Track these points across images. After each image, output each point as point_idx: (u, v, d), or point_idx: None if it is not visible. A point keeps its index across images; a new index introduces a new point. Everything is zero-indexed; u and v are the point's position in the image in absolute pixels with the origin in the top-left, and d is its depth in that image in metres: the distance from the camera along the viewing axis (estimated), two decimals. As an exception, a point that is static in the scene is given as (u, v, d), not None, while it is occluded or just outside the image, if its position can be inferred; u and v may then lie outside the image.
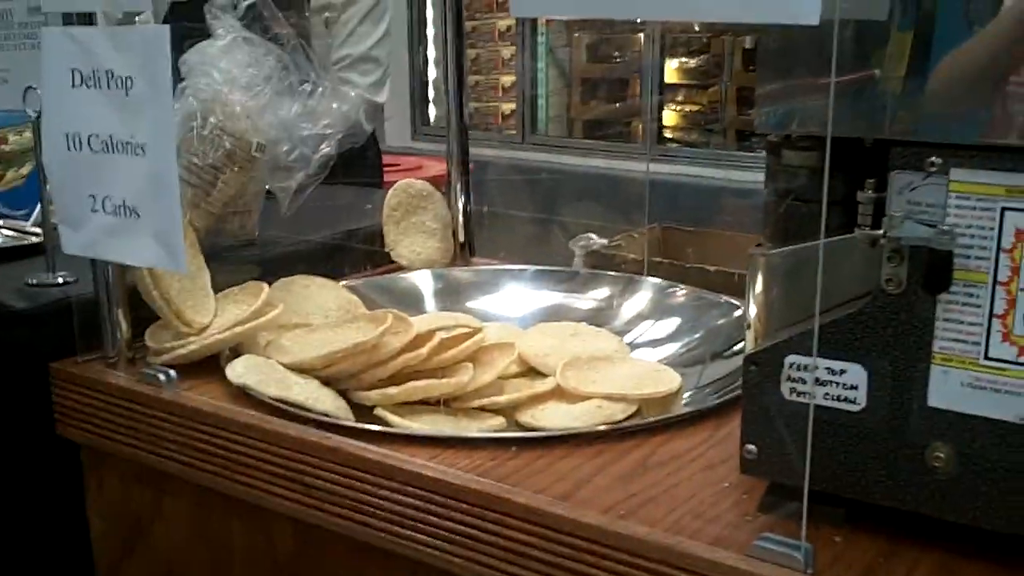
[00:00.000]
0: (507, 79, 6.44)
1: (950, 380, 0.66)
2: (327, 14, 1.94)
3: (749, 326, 0.79)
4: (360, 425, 0.89)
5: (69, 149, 0.96)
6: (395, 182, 1.42)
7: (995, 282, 0.63)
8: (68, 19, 0.96)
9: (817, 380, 0.70)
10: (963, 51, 0.63)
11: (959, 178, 0.63)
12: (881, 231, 0.65)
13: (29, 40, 1.15)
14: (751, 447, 0.74)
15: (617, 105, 6.26)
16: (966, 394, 0.66)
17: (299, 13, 1.22)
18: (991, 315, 0.64)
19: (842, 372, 0.69)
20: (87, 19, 0.95)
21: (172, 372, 1.00)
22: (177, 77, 1.18)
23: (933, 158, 0.64)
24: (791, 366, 0.71)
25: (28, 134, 1.17)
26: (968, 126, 0.63)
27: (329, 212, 1.50)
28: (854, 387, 0.69)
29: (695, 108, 5.80)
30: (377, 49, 2.01)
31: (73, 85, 0.95)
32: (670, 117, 5.86)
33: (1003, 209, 0.62)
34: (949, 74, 0.63)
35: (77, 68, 0.94)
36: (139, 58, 0.89)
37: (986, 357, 0.65)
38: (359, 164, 2.04)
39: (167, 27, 0.88)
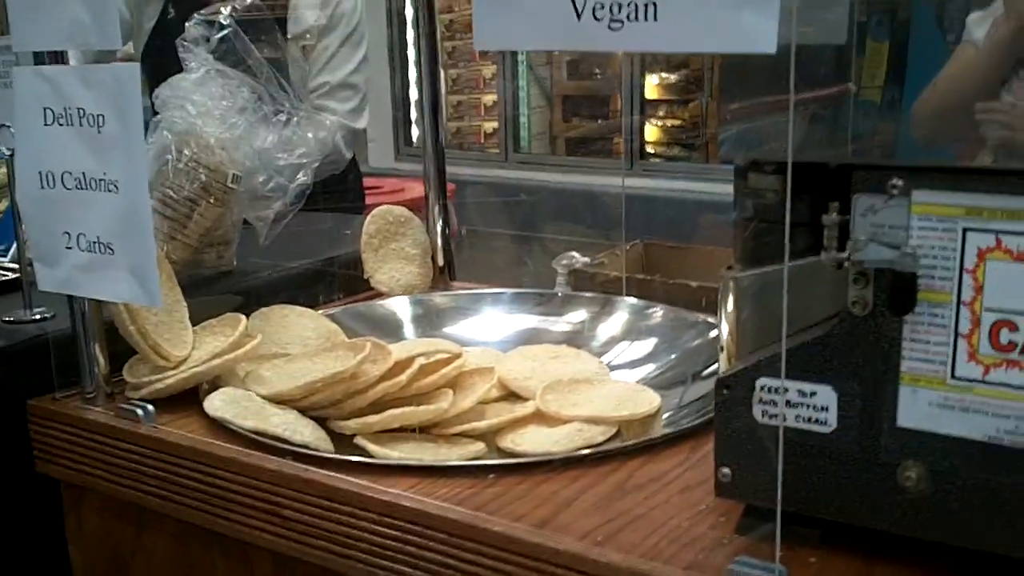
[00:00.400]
0: (489, 98, 6.46)
1: (919, 400, 0.67)
2: (304, 42, 1.94)
3: (722, 348, 0.79)
4: (338, 456, 0.89)
5: (43, 187, 0.97)
6: (377, 206, 1.43)
7: (959, 302, 0.64)
8: (40, 58, 0.96)
9: (788, 402, 0.70)
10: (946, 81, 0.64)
11: (921, 200, 0.64)
12: (846, 254, 0.66)
13: (1, 80, 1.15)
14: (725, 470, 0.74)
15: (599, 122, 6.28)
16: (935, 413, 0.66)
17: (273, 43, 1.23)
18: (956, 335, 0.65)
19: (812, 394, 0.70)
20: (59, 57, 0.96)
21: (150, 407, 0.99)
22: (151, 111, 1.18)
23: (895, 180, 0.64)
24: (762, 388, 0.72)
25: (6, 169, 1.17)
26: (931, 150, 0.64)
27: (310, 239, 1.50)
28: (824, 408, 0.70)
29: (676, 123, 5.83)
30: (355, 76, 2.01)
31: (46, 123, 0.95)
32: (652, 132, 5.89)
33: (964, 230, 0.63)
34: (933, 106, 0.64)
35: (49, 106, 0.94)
36: (110, 96, 0.89)
37: (953, 376, 0.65)
38: (340, 190, 2.05)
39: (137, 65, 0.88)
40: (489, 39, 0.71)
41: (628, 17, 0.65)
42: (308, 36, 1.96)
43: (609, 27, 0.66)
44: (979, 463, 0.65)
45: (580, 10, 0.66)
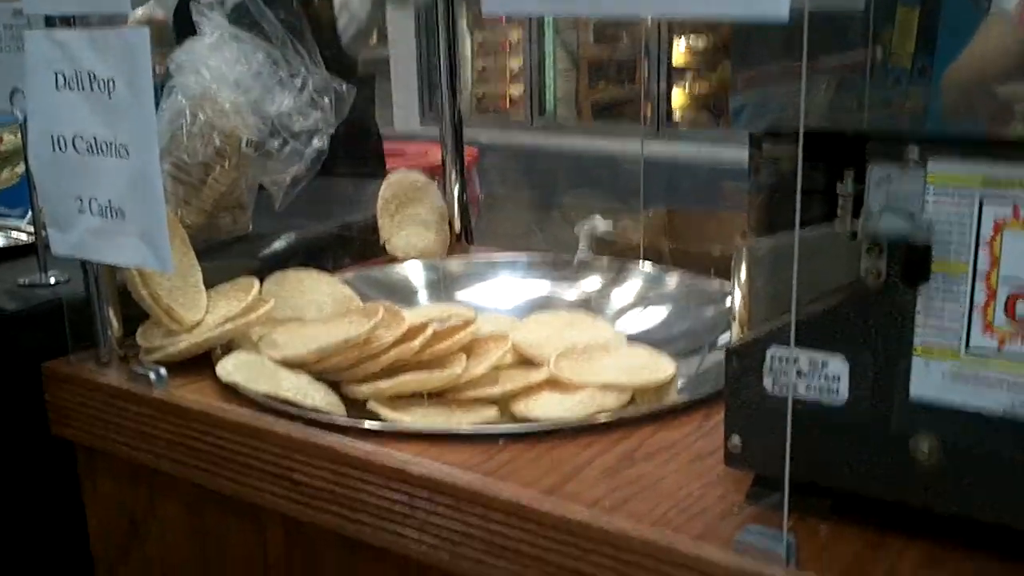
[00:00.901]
0: (515, 62, 6.42)
1: (931, 372, 0.65)
2: None
3: (734, 317, 0.78)
4: (349, 421, 0.89)
5: (54, 151, 0.96)
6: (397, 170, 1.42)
7: (974, 273, 0.63)
8: (51, 21, 0.96)
9: (799, 372, 0.70)
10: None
11: (936, 170, 0.63)
12: (860, 223, 0.65)
13: (14, 43, 1.15)
14: (735, 440, 0.74)
15: (625, 86, 6.23)
16: (948, 386, 0.65)
17: (288, 7, 1.22)
18: (971, 306, 0.63)
19: (824, 364, 0.69)
20: (70, 21, 0.95)
21: (163, 370, 1.00)
22: (166, 74, 1.18)
23: (910, 150, 0.63)
24: (773, 358, 0.71)
25: (19, 135, 1.17)
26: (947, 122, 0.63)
27: (327, 204, 1.50)
28: (836, 379, 0.69)
29: (703, 88, 5.77)
30: None
31: (57, 87, 0.94)
32: (678, 97, 5.83)
33: (981, 200, 0.62)
34: (962, 81, 0.62)
35: (60, 71, 0.94)
36: (120, 60, 0.89)
37: (967, 348, 0.64)
38: (360, 154, 2.05)
39: (147, 29, 0.87)
40: (499, 2, 0.70)
41: (638, -20, 0.63)
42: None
43: (620, -10, 0.64)
44: (993, 436, 0.64)
45: (589, -28, 0.65)
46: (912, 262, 0.64)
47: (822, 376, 0.69)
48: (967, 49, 0.62)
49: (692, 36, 5.78)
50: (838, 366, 0.69)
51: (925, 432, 0.67)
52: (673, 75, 5.80)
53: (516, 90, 6.42)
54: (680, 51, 5.83)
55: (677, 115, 5.84)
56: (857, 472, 0.69)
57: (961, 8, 0.63)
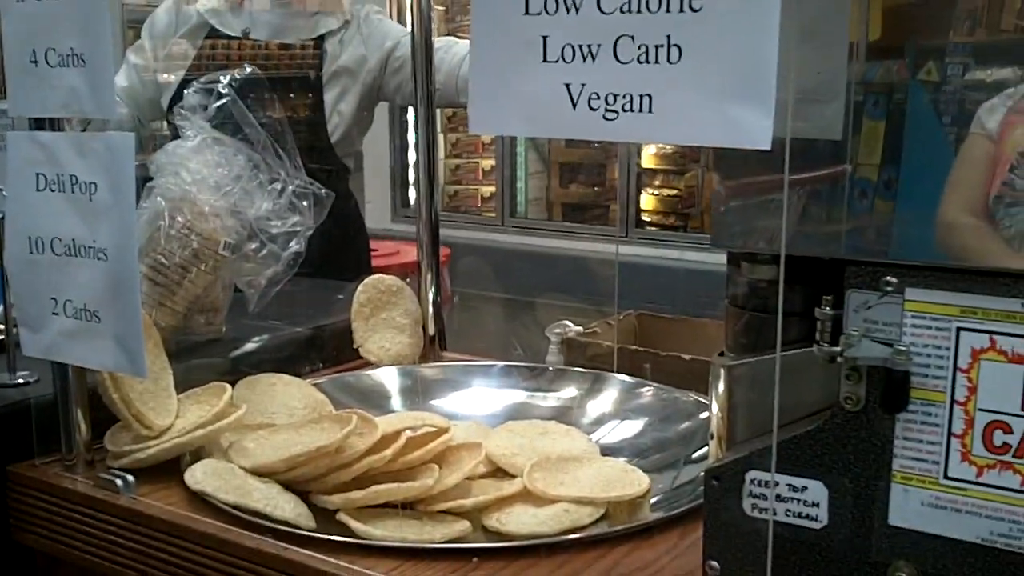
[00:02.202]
0: (487, 162, 6.50)
1: (910, 499, 0.65)
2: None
3: (713, 435, 0.78)
4: (318, 535, 0.87)
5: (31, 252, 0.96)
6: (378, 268, 1.43)
7: (952, 402, 0.63)
8: (35, 124, 0.96)
9: (778, 496, 0.69)
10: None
11: (914, 297, 0.64)
12: (839, 348, 0.65)
13: (-3, 142, 1.15)
14: (714, 563, 0.73)
15: (595, 189, 6.32)
16: (927, 513, 0.65)
17: (269, 110, 1.23)
18: (950, 434, 0.64)
19: (803, 489, 0.69)
20: (54, 124, 0.96)
21: (130, 477, 0.98)
22: (146, 177, 1.18)
23: (888, 277, 0.64)
24: (752, 481, 0.70)
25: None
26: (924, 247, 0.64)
27: (301, 306, 1.49)
28: (815, 504, 0.69)
29: (672, 193, 5.86)
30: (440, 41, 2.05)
31: (38, 189, 0.95)
32: (648, 201, 5.92)
33: (958, 329, 0.63)
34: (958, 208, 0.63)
35: (42, 172, 0.94)
36: (103, 164, 0.89)
37: (945, 476, 0.64)
38: (347, 254, 2.05)
39: (132, 135, 0.88)
40: (485, 123, 0.71)
41: (623, 108, 0.65)
42: (349, 72, 2.01)
43: (604, 117, 0.66)
44: (972, 566, 0.64)
45: (576, 99, 0.66)
46: (891, 389, 0.64)
47: (801, 501, 0.69)
48: (954, 176, 0.63)
49: (660, 144, 5.89)
50: (817, 491, 0.68)
51: (904, 559, 0.66)
52: (642, 178, 5.90)
53: (488, 190, 6.49)
54: (649, 154, 5.94)
55: (646, 217, 5.92)
56: (837, 599, 0.68)
57: (925, 120, 0.65)
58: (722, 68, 0.61)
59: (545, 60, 0.67)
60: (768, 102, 0.59)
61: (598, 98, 0.66)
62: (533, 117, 0.69)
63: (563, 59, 0.67)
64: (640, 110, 0.64)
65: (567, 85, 0.67)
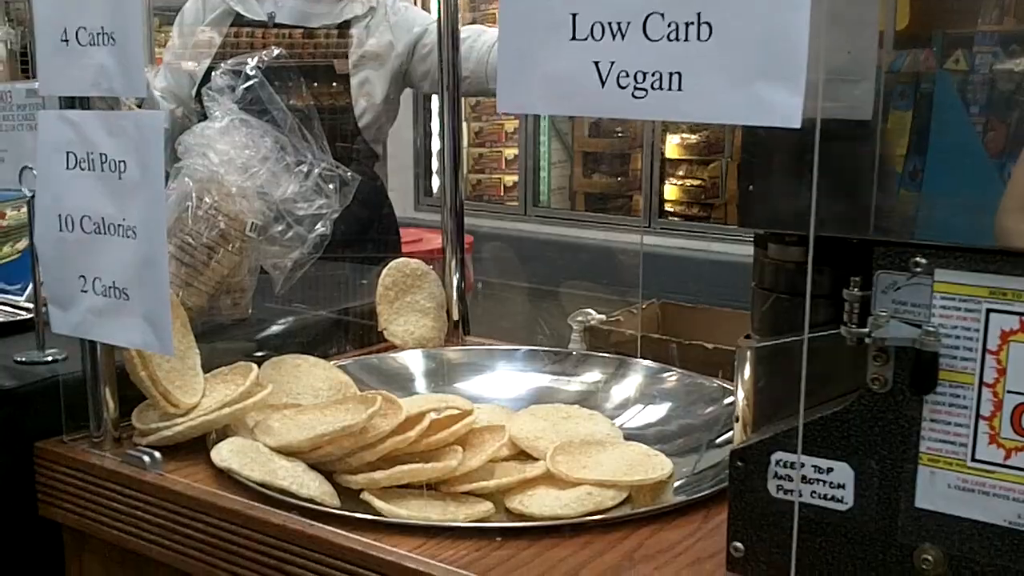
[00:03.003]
0: (510, 151, 6.50)
1: (937, 482, 0.65)
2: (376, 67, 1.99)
3: (738, 418, 0.78)
4: (343, 512, 0.88)
5: (61, 230, 0.97)
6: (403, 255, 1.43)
7: (981, 383, 0.63)
8: (65, 102, 0.97)
9: (804, 478, 0.69)
10: None
11: (944, 279, 0.63)
12: (867, 330, 0.65)
13: (27, 122, 1.16)
14: (738, 544, 0.73)
15: (619, 179, 6.31)
16: (953, 496, 0.65)
17: (296, 95, 1.24)
18: (978, 416, 0.63)
19: (829, 470, 0.69)
20: (84, 103, 0.96)
21: (157, 454, 0.99)
22: (174, 157, 1.19)
23: (917, 258, 0.64)
24: (777, 463, 0.70)
25: (26, 209, 1.18)
26: (953, 228, 0.64)
27: (327, 288, 1.50)
28: (841, 486, 0.68)
29: (696, 183, 5.84)
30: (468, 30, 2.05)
31: (67, 167, 0.95)
32: (671, 191, 5.90)
33: (988, 310, 0.62)
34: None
35: (72, 151, 0.95)
36: (132, 143, 0.90)
37: (973, 459, 0.64)
38: (377, 240, 2.06)
39: (161, 113, 0.89)
40: (513, 102, 0.71)
41: (652, 86, 0.65)
42: (377, 56, 2.00)
43: (633, 95, 0.65)
44: (998, 549, 0.64)
45: (604, 77, 0.66)
46: (919, 370, 0.64)
47: (827, 482, 0.69)
48: (1013, 177, 0.62)
49: (685, 133, 5.87)
50: (843, 472, 0.68)
51: (930, 543, 0.66)
52: (666, 168, 5.89)
53: (511, 179, 6.49)
54: (673, 144, 5.92)
55: (669, 208, 5.90)
56: (861, 581, 0.68)
57: (952, 108, 0.65)
58: (752, 46, 0.60)
59: (574, 38, 0.67)
60: (798, 80, 0.59)
61: (627, 76, 0.65)
62: (561, 95, 0.69)
63: (592, 37, 0.67)
64: (669, 88, 0.64)
65: (596, 63, 0.67)
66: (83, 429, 1.05)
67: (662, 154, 5.85)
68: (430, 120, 6.29)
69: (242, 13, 2.01)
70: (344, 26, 2.03)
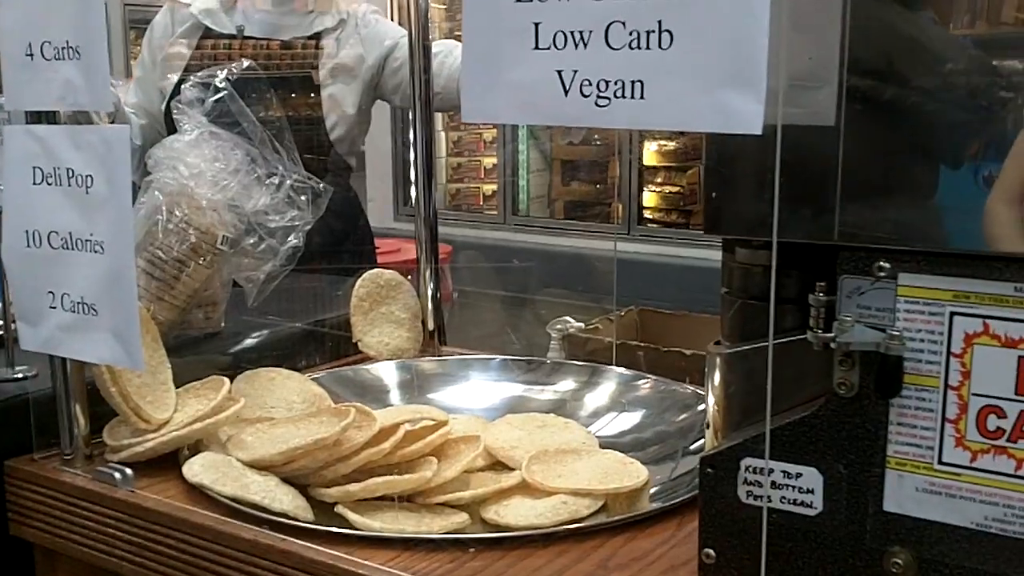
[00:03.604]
0: (489, 160, 6.51)
1: (905, 485, 0.65)
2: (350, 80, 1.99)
3: (708, 424, 0.78)
4: (316, 526, 0.88)
5: (28, 245, 0.96)
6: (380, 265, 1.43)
7: (946, 386, 0.63)
8: (31, 117, 0.96)
9: (773, 483, 0.69)
10: None
11: (907, 283, 0.64)
12: (832, 334, 0.65)
13: (-7, 136, 1.15)
14: (709, 551, 0.73)
15: (597, 186, 6.33)
16: (921, 499, 0.65)
17: (267, 107, 1.23)
18: (944, 419, 0.64)
19: (798, 475, 0.69)
20: (50, 118, 0.96)
21: (128, 470, 0.98)
22: (144, 171, 1.18)
23: (881, 263, 0.64)
24: (747, 468, 0.71)
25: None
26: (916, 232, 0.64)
27: (300, 301, 1.50)
28: (810, 491, 0.69)
29: (674, 190, 5.87)
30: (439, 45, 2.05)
31: (34, 182, 0.95)
32: (650, 198, 5.93)
33: (951, 314, 0.63)
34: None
35: (38, 165, 0.94)
36: (99, 157, 0.89)
37: (940, 462, 0.64)
38: (351, 252, 2.06)
39: (127, 127, 0.88)
40: (477, 111, 0.71)
41: (615, 94, 0.65)
42: (349, 70, 1.99)
43: (596, 103, 0.66)
44: (967, 551, 0.64)
45: (568, 86, 0.66)
46: (885, 374, 0.64)
47: (796, 487, 0.69)
48: (1004, 165, 0.62)
49: (663, 140, 5.90)
50: (812, 477, 0.68)
51: (899, 545, 0.66)
52: (644, 175, 5.91)
53: (490, 188, 6.51)
54: (651, 151, 5.94)
55: (648, 215, 5.92)
56: (832, 586, 0.68)
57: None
58: (713, 53, 0.61)
59: (537, 47, 0.67)
60: (759, 87, 0.59)
61: (590, 84, 0.66)
62: (525, 104, 0.69)
63: (555, 46, 0.67)
64: (632, 96, 0.64)
65: (559, 72, 0.67)
66: (54, 446, 1.04)
67: (640, 161, 5.87)
68: (408, 130, 6.29)
69: (210, 27, 2.00)
70: (315, 38, 2.02)
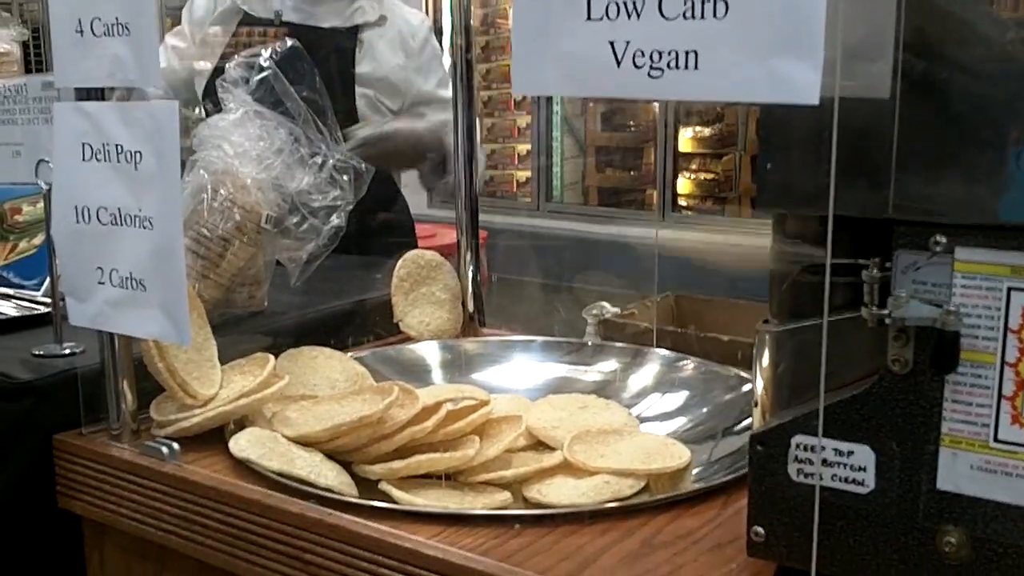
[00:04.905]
0: (523, 147, 6.50)
1: (959, 463, 0.65)
2: (375, 89, 1.98)
3: (756, 403, 0.78)
4: (362, 501, 0.88)
5: (78, 221, 0.97)
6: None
7: (1003, 363, 0.62)
8: (80, 94, 0.97)
9: (824, 461, 0.69)
10: None
11: (964, 257, 0.63)
12: (887, 310, 0.64)
13: (43, 115, 1.16)
14: (758, 529, 0.72)
15: (632, 173, 6.30)
16: (976, 477, 0.64)
17: (311, 86, 1.23)
18: (1000, 396, 0.63)
19: (850, 453, 0.68)
20: (99, 94, 0.96)
21: (175, 445, 0.99)
22: (189, 150, 1.19)
23: (937, 237, 0.63)
24: (798, 446, 0.70)
25: (41, 205, 1.18)
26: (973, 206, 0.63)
27: (342, 281, 1.50)
28: (862, 468, 0.68)
29: (709, 176, 5.83)
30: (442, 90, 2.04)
31: (83, 159, 0.96)
32: (684, 185, 5.89)
33: (1009, 289, 0.62)
34: None
35: (88, 142, 0.95)
36: (148, 133, 0.90)
37: (995, 439, 0.63)
38: (390, 230, 2.06)
39: (176, 103, 0.89)
40: (527, 84, 0.70)
41: (668, 65, 0.64)
42: (382, 80, 1.99)
43: (649, 75, 0.65)
44: (1022, 530, 0.63)
45: (620, 57, 0.66)
46: (940, 350, 0.63)
47: (847, 465, 0.68)
48: None
49: (698, 126, 5.86)
50: (864, 455, 0.68)
51: (953, 524, 0.66)
52: (679, 162, 5.88)
53: (524, 175, 6.50)
54: (687, 138, 5.91)
55: (683, 201, 5.90)
56: (884, 564, 0.68)
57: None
58: (769, 23, 0.60)
59: (589, 18, 0.67)
60: (816, 56, 0.58)
61: (643, 55, 0.65)
62: (576, 76, 0.69)
63: (607, 16, 0.66)
64: (686, 67, 0.63)
65: (611, 43, 0.66)
66: (101, 421, 1.06)
67: (675, 148, 5.84)
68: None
69: (248, 12, 2.00)
70: (354, 30, 2.01)
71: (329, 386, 1.13)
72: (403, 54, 2.03)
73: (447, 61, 2.10)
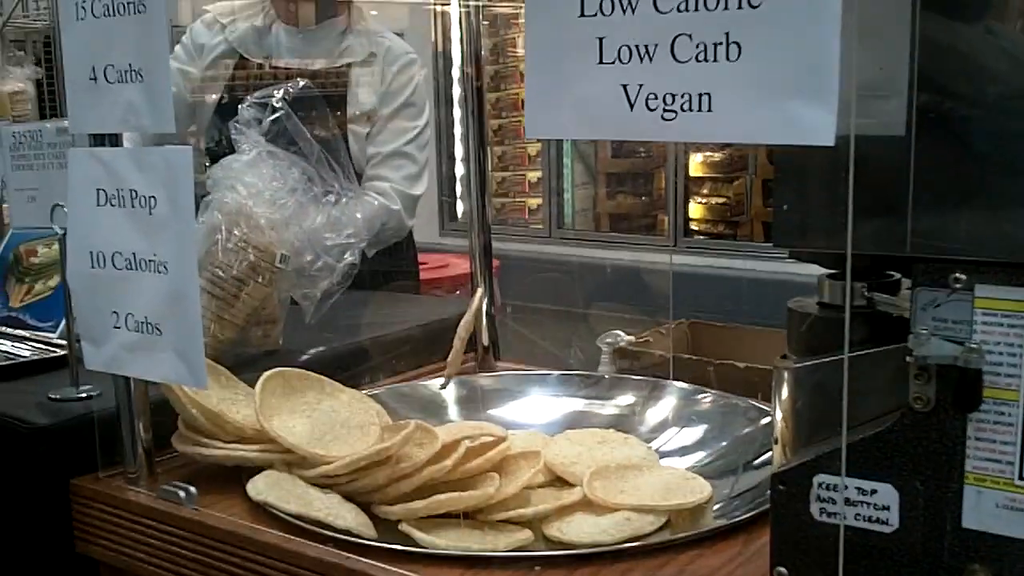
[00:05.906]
0: (533, 175, 6.51)
1: (984, 501, 0.64)
2: (359, 124, 1.97)
3: (776, 440, 0.77)
4: (381, 543, 0.87)
5: (93, 266, 0.97)
6: (428, 281, 1.43)
7: (1027, 400, 0.62)
8: (95, 140, 0.98)
9: (847, 500, 0.68)
10: None
11: (984, 294, 0.62)
12: (908, 347, 0.64)
13: (57, 160, 1.17)
14: (782, 569, 0.72)
15: (643, 199, 6.30)
16: (1002, 515, 0.63)
17: (324, 123, 1.24)
18: (1024, 434, 0.62)
19: (873, 492, 0.67)
20: (113, 140, 0.97)
21: (192, 488, 0.99)
22: (203, 191, 1.19)
23: (957, 274, 0.63)
24: (820, 485, 0.69)
25: (56, 246, 1.19)
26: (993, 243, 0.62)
27: (357, 318, 1.50)
28: (886, 507, 0.67)
29: (720, 201, 5.82)
30: (409, 146, 2.02)
31: (98, 204, 0.96)
32: (696, 210, 5.88)
33: (1031, 325, 0.61)
34: None
35: (102, 187, 0.95)
36: (162, 178, 0.90)
37: (1021, 477, 0.63)
38: (395, 265, 2.06)
39: (189, 148, 0.89)
40: (541, 127, 0.71)
41: (682, 107, 0.64)
42: (367, 118, 1.98)
43: (663, 117, 0.65)
44: (1050, 569, 0.62)
45: (633, 100, 0.66)
46: (963, 388, 0.63)
47: (871, 504, 0.68)
48: None
49: (708, 151, 5.86)
50: (888, 494, 0.67)
51: (979, 563, 0.65)
52: (690, 186, 5.87)
53: (535, 202, 6.50)
54: (697, 162, 5.90)
55: (694, 226, 5.89)
56: (910, 605, 0.67)
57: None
58: (783, 64, 0.60)
59: (601, 62, 0.67)
60: (831, 98, 0.58)
61: (656, 98, 0.65)
62: (590, 119, 0.69)
63: (619, 60, 0.66)
64: (699, 109, 0.63)
65: (624, 86, 0.66)
66: (118, 465, 1.05)
67: (686, 172, 5.84)
68: (453, 146, 6.32)
69: (243, 55, 2.01)
70: (346, 68, 2.02)
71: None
72: (381, 84, 2.04)
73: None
